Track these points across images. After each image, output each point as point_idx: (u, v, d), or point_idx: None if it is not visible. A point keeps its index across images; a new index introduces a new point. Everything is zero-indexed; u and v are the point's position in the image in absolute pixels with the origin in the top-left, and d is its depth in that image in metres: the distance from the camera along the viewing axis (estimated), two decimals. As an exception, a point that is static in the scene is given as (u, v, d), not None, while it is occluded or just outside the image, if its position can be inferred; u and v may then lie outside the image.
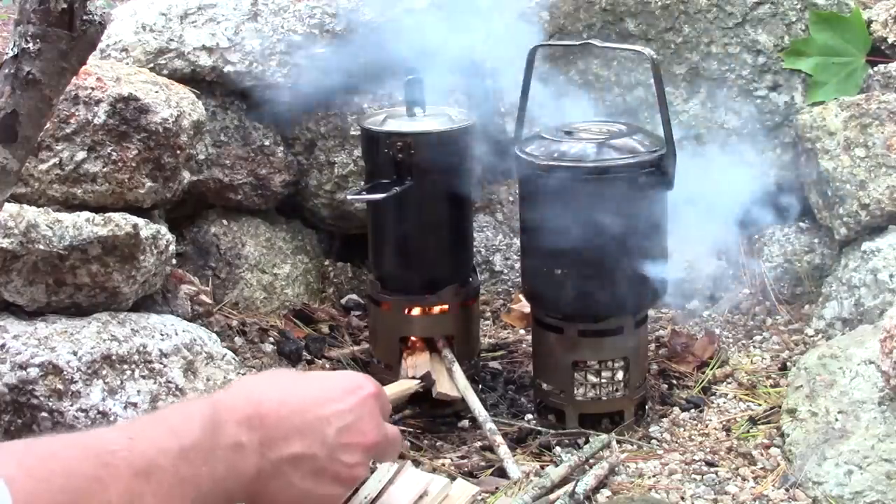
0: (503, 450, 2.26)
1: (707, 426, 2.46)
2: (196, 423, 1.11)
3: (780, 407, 2.43)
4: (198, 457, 1.09)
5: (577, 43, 2.50)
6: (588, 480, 2.14)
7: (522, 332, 2.89)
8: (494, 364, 2.75)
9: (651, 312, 2.77)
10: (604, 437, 2.32)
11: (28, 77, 1.63)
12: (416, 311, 2.53)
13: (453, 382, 2.46)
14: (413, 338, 2.55)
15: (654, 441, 2.41)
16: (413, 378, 2.39)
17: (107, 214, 2.25)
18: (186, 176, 2.46)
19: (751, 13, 2.97)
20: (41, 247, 2.16)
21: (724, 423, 2.47)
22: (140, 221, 2.29)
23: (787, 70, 2.98)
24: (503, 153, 2.71)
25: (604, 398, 2.43)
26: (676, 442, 2.41)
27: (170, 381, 2.24)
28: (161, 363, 2.25)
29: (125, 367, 2.19)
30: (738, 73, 2.99)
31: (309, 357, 2.71)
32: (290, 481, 1.16)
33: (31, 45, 1.62)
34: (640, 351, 2.47)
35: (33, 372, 2.10)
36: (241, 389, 1.20)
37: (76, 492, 1.00)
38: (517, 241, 2.84)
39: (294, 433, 1.16)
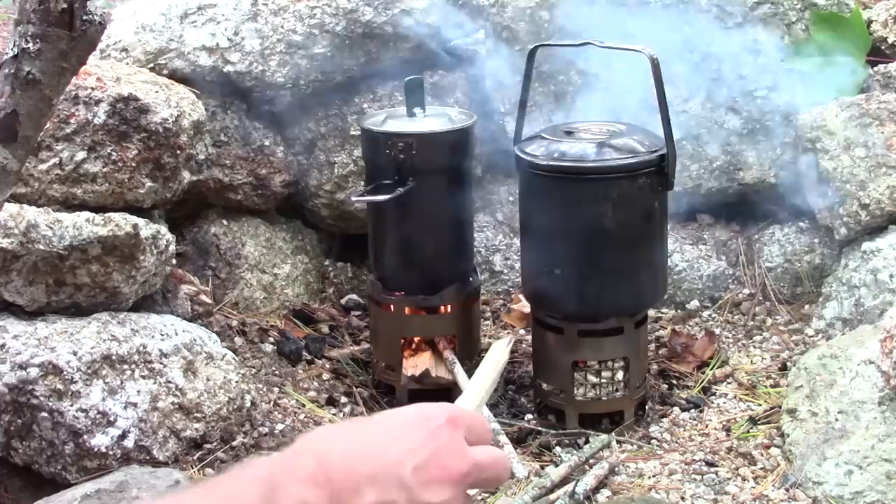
0: (508, 449, 2.26)
1: (707, 426, 2.46)
2: (250, 488, 1.03)
3: (780, 407, 2.43)
4: None
5: (578, 43, 2.50)
6: (588, 480, 2.14)
7: (522, 332, 2.89)
8: (494, 364, 2.75)
9: (651, 312, 2.77)
10: (604, 437, 2.32)
11: (28, 77, 1.63)
12: (417, 312, 2.54)
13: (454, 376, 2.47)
14: (414, 338, 2.55)
15: (654, 441, 2.41)
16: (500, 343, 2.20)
17: (107, 214, 2.25)
18: (186, 176, 2.46)
19: (751, 13, 2.97)
20: (41, 247, 2.16)
21: (724, 423, 2.47)
22: (140, 221, 2.29)
23: (787, 70, 2.98)
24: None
25: (604, 398, 2.43)
26: (676, 442, 2.41)
27: (170, 381, 2.24)
28: (161, 363, 2.25)
29: (125, 367, 2.19)
30: (738, 72, 2.99)
31: (309, 357, 2.71)
32: None
33: (31, 45, 1.62)
34: (640, 351, 2.47)
35: (33, 372, 2.10)
36: (298, 447, 1.10)
37: None
38: (517, 241, 2.85)
39: (365, 482, 1.06)
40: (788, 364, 2.65)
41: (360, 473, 1.06)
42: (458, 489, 1.10)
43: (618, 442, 2.36)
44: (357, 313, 2.95)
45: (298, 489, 1.04)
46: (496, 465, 1.14)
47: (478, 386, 1.35)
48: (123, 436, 2.14)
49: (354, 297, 3.02)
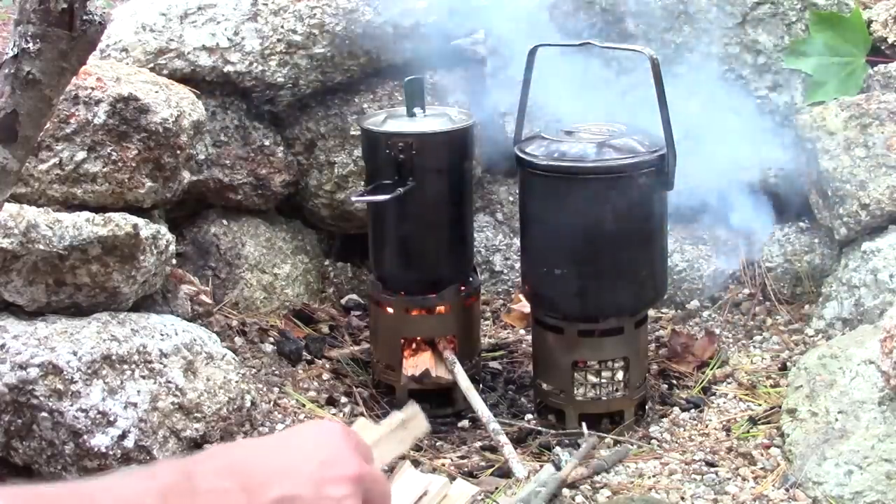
0: (507, 449, 2.26)
1: (707, 426, 2.46)
2: (166, 471, 1.08)
3: (780, 407, 2.43)
4: (181, 500, 1.06)
5: (577, 43, 2.50)
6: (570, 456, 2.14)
7: (522, 332, 2.89)
8: (494, 364, 2.75)
9: (651, 312, 2.77)
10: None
11: (28, 77, 1.63)
12: (417, 312, 2.54)
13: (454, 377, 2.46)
14: (414, 338, 2.55)
15: (654, 441, 2.41)
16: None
17: (107, 214, 2.25)
18: (186, 176, 2.46)
19: (751, 13, 2.97)
20: (41, 247, 2.16)
21: (724, 423, 2.47)
22: (140, 221, 2.29)
23: (787, 70, 2.98)
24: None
25: (604, 398, 2.43)
26: (676, 442, 2.41)
27: (170, 381, 2.24)
28: (161, 363, 2.25)
29: (125, 367, 2.19)
30: (738, 73, 2.99)
31: (309, 357, 2.71)
32: None
33: (31, 45, 1.62)
34: (640, 351, 2.47)
35: (33, 372, 2.10)
36: (207, 451, 1.17)
37: None
38: (517, 241, 2.85)
39: (275, 475, 1.14)
40: (788, 364, 2.65)
41: (269, 467, 1.14)
42: (356, 489, 1.18)
43: (618, 442, 2.36)
44: (357, 313, 2.95)
45: (214, 478, 1.10)
46: (382, 482, 1.24)
47: (384, 431, 1.42)
48: (123, 436, 2.14)
49: (354, 297, 3.02)
